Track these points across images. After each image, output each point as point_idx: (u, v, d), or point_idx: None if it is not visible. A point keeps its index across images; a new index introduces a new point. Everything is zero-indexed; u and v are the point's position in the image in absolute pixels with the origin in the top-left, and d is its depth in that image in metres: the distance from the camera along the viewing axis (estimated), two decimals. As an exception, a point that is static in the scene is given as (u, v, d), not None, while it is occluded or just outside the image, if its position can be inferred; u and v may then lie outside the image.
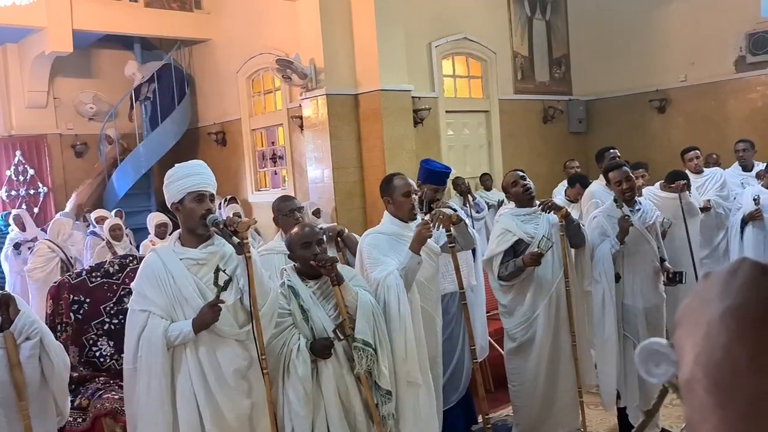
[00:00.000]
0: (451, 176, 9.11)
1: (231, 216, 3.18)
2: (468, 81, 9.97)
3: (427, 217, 3.85)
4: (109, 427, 3.02)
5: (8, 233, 8.19)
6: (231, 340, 2.72)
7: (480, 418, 4.30)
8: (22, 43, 10.37)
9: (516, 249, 3.92)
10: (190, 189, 2.74)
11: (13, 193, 11.13)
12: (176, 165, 2.86)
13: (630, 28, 10.28)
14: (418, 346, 3.20)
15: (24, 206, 10.91)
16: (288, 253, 3.09)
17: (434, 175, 4.22)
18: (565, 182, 6.53)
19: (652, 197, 5.12)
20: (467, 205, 7.66)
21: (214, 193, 2.86)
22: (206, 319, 2.61)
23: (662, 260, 4.12)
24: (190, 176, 2.78)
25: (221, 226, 2.70)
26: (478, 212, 7.95)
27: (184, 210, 2.77)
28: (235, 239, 2.68)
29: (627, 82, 10.38)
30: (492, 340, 4.86)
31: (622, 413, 4.07)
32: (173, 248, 2.79)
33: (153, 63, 11.06)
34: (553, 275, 3.92)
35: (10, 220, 8.25)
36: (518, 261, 3.82)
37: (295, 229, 3.12)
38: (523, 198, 3.99)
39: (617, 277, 3.96)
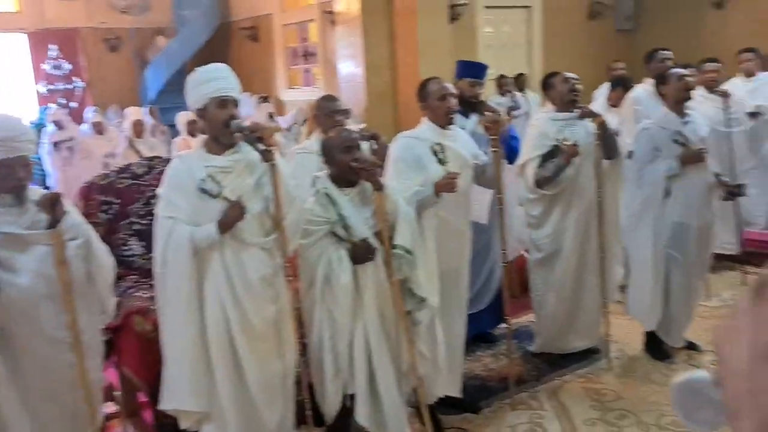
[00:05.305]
0: (494, 75, 8.89)
1: (256, 122, 3.12)
2: (510, -26, 9.47)
3: (470, 122, 3.77)
4: (139, 323, 3.13)
5: (47, 128, 8.29)
6: (257, 248, 2.73)
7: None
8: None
9: (553, 157, 3.82)
10: (212, 95, 2.67)
11: (51, 87, 11.22)
12: (197, 69, 2.78)
13: None
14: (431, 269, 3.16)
15: (64, 100, 11.03)
16: None
17: (470, 66, 4.07)
18: (607, 85, 6.25)
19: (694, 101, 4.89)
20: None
21: (238, 98, 2.79)
22: (230, 218, 2.61)
23: (716, 174, 3.90)
24: (211, 81, 2.70)
25: (246, 133, 2.66)
26: (514, 109, 7.79)
27: (207, 116, 2.71)
28: (261, 146, 2.63)
29: (682, -26, 9.70)
30: (523, 251, 4.84)
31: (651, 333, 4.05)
32: (198, 155, 2.77)
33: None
34: (585, 186, 3.83)
35: (47, 116, 8.34)
36: (558, 160, 3.73)
37: (334, 133, 3.03)
38: (566, 99, 3.84)
39: (665, 193, 3.76)
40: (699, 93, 5.27)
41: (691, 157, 3.70)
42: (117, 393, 3.21)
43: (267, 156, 2.63)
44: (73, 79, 11.31)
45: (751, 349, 0.46)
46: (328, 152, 2.98)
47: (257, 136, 2.63)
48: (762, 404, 0.44)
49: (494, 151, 3.37)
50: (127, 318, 3.19)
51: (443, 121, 3.35)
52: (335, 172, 2.97)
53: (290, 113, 8.38)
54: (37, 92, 11.20)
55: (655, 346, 4.03)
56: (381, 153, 3.50)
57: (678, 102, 3.80)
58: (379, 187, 2.87)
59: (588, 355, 4.09)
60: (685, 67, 5.33)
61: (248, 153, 2.74)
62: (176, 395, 2.70)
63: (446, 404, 3.46)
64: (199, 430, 2.79)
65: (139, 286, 3.40)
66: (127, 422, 3.32)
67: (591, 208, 3.84)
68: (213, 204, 2.64)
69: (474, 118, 3.95)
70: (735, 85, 5.75)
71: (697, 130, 3.83)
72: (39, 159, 8.07)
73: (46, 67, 11.13)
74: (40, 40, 11.01)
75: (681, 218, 3.77)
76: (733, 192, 4.02)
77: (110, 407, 3.30)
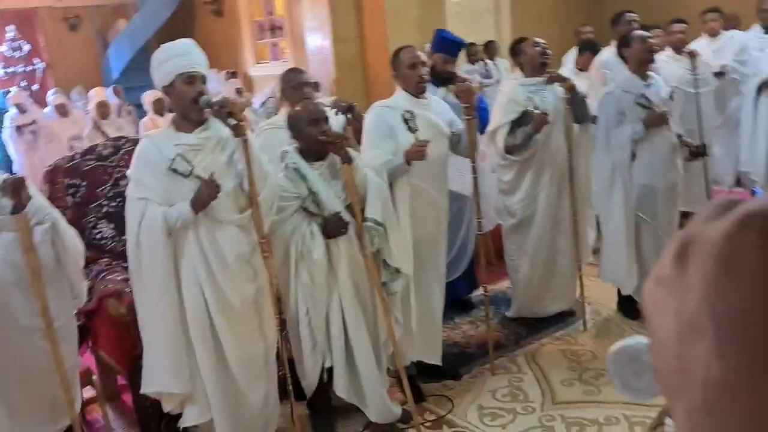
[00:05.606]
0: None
1: (225, 96, 3.06)
2: (476, -61, 9.38)
3: (441, 92, 3.76)
4: (114, 307, 3.09)
5: (8, 111, 8.06)
6: (232, 225, 2.70)
7: (481, 289, 4.41)
8: None
9: (522, 122, 3.82)
10: (179, 71, 2.61)
11: (11, 69, 10.90)
12: (162, 45, 2.72)
13: None
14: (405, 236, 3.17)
15: (24, 82, 10.73)
16: None
17: (446, 43, 4.04)
18: (575, 49, 6.25)
19: (661, 62, 4.93)
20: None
21: (206, 74, 2.74)
22: (204, 196, 2.57)
23: (679, 135, 3.93)
24: (178, 56, 2.65)
25: (215, 108, 2.61)
26: (487, 77, 7.78)
27: (174, 93, 2.66)
28: (231, 121, 2.59)
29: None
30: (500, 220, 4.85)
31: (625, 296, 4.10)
32: (167, 134, 2.72)
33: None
34: (556, 151, 3.85)
35: (8, 101, 8.09)
36: (527, 128, 3.74)
37: (300, 106, 2.99)
38: (536, 63, 3.83)
39: (632, 156, 3.78)
40: (666, 54, 5.31)
41: (655, 120, 3.73)
42: (95, 377, 3.17)
43: (238, 131, 2.58)
44: (34, 60, 11.01)
45: (677, 320, 0.41)
46: (295, 126, 2.94)
47: (227, 112, 2.58)
48: (692, 383, 0.39)
49: (467, 119, 3.37)
50: (101, 302, 3.15)
51: (415, 90, 3.33)
52: (303, 146, 2.94)
53: (267, 88, 8.25)
54: (-4, 76, 10.88)
55: (629, 306, 4.10)
56: (358, 124, 3.47)
57: (641, 64, 3.81)
58: (347, 160, 2.85)
59: (564, 317, 4.15)
60: (652, 28, 5.37)
61: (219, 130, 2.70)
62: (157, 378, 2.68)
63: (426, 372, 3.50)
64: (182, 412, 2.79)
65: (112, 269, 3.35)
66: (106, 406, 3.29)
67: (563, 173, 3.86)
68: (185, 183, 2.61)
69: (443, 89, 3.93)
70: (700, 46, 5.79)
71: (659, 92, 3.85)
72: (2, 144, 7.88)
73: (3, 49, 10.80)
74: (-5, 22, 10.67)
75: (647, 180, 3.80)
76: (697, 152, 4.07)
77: (89, 392, 3.27)
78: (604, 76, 4.90)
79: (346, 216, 2.89)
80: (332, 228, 2.86)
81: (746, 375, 0.37)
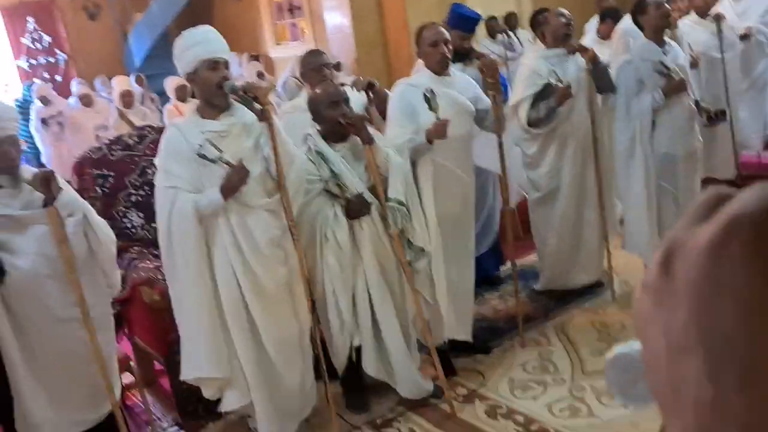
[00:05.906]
0: (483, 16, 8.67)
1: (249, 81, 3.07)
2: None
3: (457, 68, 3.74)
4: (147, 294, 3.16)
5: (34, 104, 8.18)
6: (262, 210, 2.72)
7: (508, 263, 4.41)
8: None
9: (545, 95, 3.79)
10: (202, 57, 2.63)
11: (34, 62, 11.02)
12: (183, 33, 2.74)
13: None
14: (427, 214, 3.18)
15: (46, 74, 10.85)
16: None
17: (462, 19, 4.00)
18: (596, 18, 6.15)
19: (686, 27, 4.84)
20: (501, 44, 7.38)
21: (228, 60, 2.75)
22: (234, 182, 2.60)
23: (696, 102, 3.86)
24: (200, 43, 2.67)
25: (240, 93, 2.63)
26: (510, 50, 7.67)
27: (198, 80, 2.67)
28: (257, 106, 2.60)
29: None
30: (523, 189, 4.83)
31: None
32: (193, 121, 2.75)
33: None
34: (580, 122, 3.82)
35: (33, 94, 8.20)
36: (550, 101, 3.71)
37: (320, 89, 3.01)
38: (560, 33, 3.78)
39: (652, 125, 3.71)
40: (690, 19, 5.20)
41: (674, 88, 3.66)
42: (132, 363, 3.25)
43: (264, 116, 2.60)
44: (56, 51, 11.12)
45: (665, 334, 0.38)
46: (315, 109, 2.96)
47: (253, 96, 2.60)
48: (684, 403, 0.36)
49: (492, 94, 3.34)
50: (134, 290, 3.22)
51: (437, 68, 3.31)
52: (324, 128, 2.96)
53: (287, 69, 8.23)
54: (19, 68, 11.02)
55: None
56: (380, 102, 3.46)
57: (657, 31, 3.74)
58: (368, 141, 2.86)
59: (592, 289, 4.14)
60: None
61: (243, 115, 2.72)
62: (196, 365, 2.73)
63: (457, 348, 3.52)
64: (221, 397, 2.85)
65: (143, 257, 3.42)
66: (144, 391, 3.38)
67: (587, 144, 3.83)
68: (213, 169, 2.64)
69: (459, 65, 3.89)
70: (724, 8, 5.66)
71: (676, 58, 3.77)
72: (30, 137, 8.00)
73: (25, 41, 10.91)
74: (15, 14, 10.77)
75: (667, 148, 3.74)
76: (715, 118, 3.98)
77: (127, 378, 3.35)
78: (626, 44, 4.81)
79: (368, 197, 2.91)
80: (355, 209, 2.88)
81: (737, 397, 0.34)
